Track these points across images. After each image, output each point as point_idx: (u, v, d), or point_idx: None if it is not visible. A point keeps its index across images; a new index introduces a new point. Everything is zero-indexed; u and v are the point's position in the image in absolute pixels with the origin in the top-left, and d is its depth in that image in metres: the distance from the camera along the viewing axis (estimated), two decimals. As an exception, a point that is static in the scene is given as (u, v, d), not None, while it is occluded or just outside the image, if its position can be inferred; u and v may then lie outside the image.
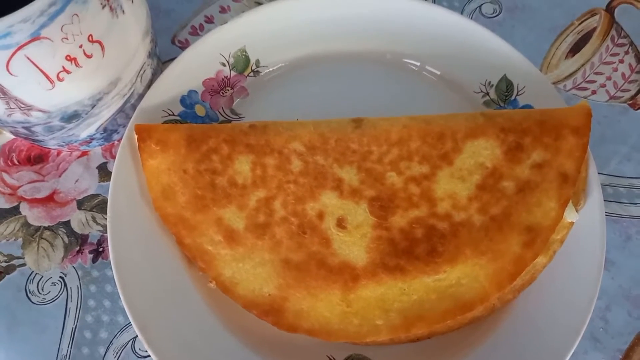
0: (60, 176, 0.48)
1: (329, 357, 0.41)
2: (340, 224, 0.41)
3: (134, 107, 0.45)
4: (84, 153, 0.49)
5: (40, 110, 0.39)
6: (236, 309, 0.40)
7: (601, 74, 0.54)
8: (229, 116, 0.48)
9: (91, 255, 0.46)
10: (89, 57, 0.38)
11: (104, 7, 0.37)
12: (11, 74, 0.35)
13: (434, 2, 0.56)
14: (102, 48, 0.38)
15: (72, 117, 0.41)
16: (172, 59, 0.47)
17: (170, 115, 0.46)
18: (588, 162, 0.43)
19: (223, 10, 0.56)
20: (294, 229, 0.41)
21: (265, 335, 0.40)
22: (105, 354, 0.43)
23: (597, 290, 0.41)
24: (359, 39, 0.49)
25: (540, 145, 0.41)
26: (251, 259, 0.41)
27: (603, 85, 0.54)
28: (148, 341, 0.39)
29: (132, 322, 0.39)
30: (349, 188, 0.42)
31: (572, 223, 0.42)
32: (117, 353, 0.43)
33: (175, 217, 0.41)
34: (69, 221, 0.47)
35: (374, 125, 0.43)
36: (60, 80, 0.37)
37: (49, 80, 0.37)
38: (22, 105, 0.39)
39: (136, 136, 0.43)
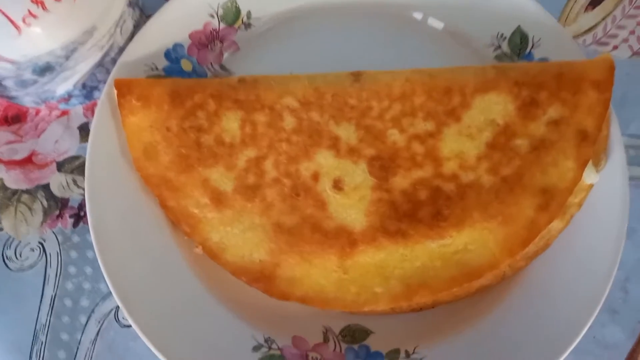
0: (39, 137, 0.45)
1: (324, 327, 0.38)
2: (337, 185, 0.38)
3: (114, 61, 0.42)
4: (64, 112, 0.46)
5: (8, 61, 0.36)
6: (224, 276, 0.37)
7: (623, 27, 0.50)
8: (218, 72, 0.45)
9: (72, 220, 0.43)
10: (57, 0, 0.34)
11: (73, -58, 0.34)
12: (-28, 17, 0.32)
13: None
14: (74, -10, 0.35)
15: (44, 69, 0.38)
16: (158, 11, 0.43)
17: (153, 70, 0.42)
18: (609, 120, 0.39)
19: (214, -40, 0.52)
20: (286, 191, 0.38)
21: (256, 304, 0.38)
22: (86, 323, 0.40)
23: (617, 259, 0.37)
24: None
25: (557, 100, 0.38)
26: (240, 222, 0.38)
27: (626, 40, 0.49)
28: (129, 310, 0.36)
29: (112, 290, 0.36)
30: (347, 147, 0.38)
31: (591, 185, 0.38)
32: (99, 322, 0.40)
33: (157, 178, 0.38)
34: (48, 184, 0.44)
35: (375, 79, 0.39)
36: (26, 24, 0.34)
37: (14, 25, 0.34)
38: (-11, 55, 0.35)
39: (115, 91, 0.39)
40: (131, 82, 0.40)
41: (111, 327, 0.40)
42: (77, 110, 0.46)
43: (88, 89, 0.43)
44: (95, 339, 0.40)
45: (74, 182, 0.44)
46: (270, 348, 0.37)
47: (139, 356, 0.39)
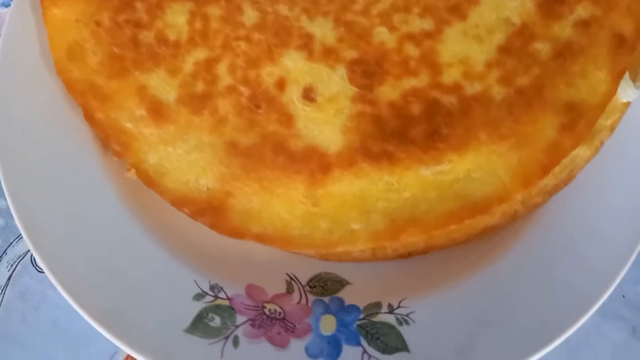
0: (-48, 44, 0.38)
1: (289, 275, 0.31)
2: (308, 95, 0.30)
3: (39, -56, 0.34)
4: (-14, 17, 0.39)
5: None
6: (162, 207, 0.30)
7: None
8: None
9: (-14, 143, 0.36)
10: None
11: None
12: None
13: None
14: None
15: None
16: None
17: (88, -44, 0.35)
18: (652, 25, 0.32)
19: None
20: (243, 102, 0.30)
21: (202, 243, 0.30)
22: None
23: (656, 199, 0.30)
24: None
25: (588, -5, 0.30)
26: (185, 141, 0.30)
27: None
28: (40, 250, 0.29)
29: (18, 224, 0.29)
30: (322, 47, 0.31)
31: (627, 104, 0.31)
32: (11, 265, 0.33)
33: (83, 83, 0.31)
34: (-41, 100, 0.36)
35: (360, -35, 0.32)
36: None
37: None
38: None
39: (36, -24, 0.32)
40: (55, -35, 0.32)
41: (26, 272, 0.33)
42: (2, 15, 0.39)
43: (10, -16, 0.35)
44: (6, 285, 0.33)
45: (-8, 98, 0.37)
46: (216, 297, 0.29)
47: (57, 307, 0.32)
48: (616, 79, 0.30)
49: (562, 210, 0.31)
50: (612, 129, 0.31)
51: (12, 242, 0.34)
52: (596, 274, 0.29)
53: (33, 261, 0.33)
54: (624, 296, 0.33)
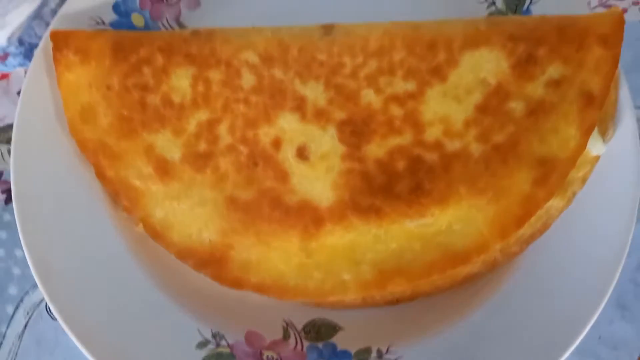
0: (-28, 102, 0.40)
1: (285, 321, 0.33)
2: (301, 153, 0.32)
3: (54, 12, 0.37)
4: (4, 76, 0.41)
5: None
6: (167, 259, 0.32)
7: (634, -10, 0.45)
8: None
9: (4, 196, 0.38)
10: None
11: None
12: None
13: None
14: None
15: (-34, 16, 0.33)
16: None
17: (99, 24, 0.37)
18: (618, 82, 0.34)
19: None
20: (242, 160, 0.33)
21: (204, 293, 0.33)
22: (13, 314, 0.35)
23: (627, 245, 0.32)
24: None
25: (558, 57, 0.33)
26: (189, 197, 0.33)
27: (636, 3, 0.44)
28: (54, 300, 0.31)
29: (34, 275, 0.31)
30: (314, 109, 0.33)
31: (597, 158, 0.33)
32: (28, 313, 0.35)
33: (95, 143, 0.34)
34: (-21, 155, 0.39)
35: (348, 32, 0.34)
36: None
37: None
38: None
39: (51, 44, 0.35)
40: (69, 33, 0.35)
41: (41, 319, 0.35)
42: (18, 73, 0.41)
43: (27, 47, 0.38)
44: (23, 332, 0.35)
45: (10, 153, 0.39)
46: (218, 345, 0.31)
47: (71, 351, 0.34)
48: (585, 134, 0.32)
49: (539, 258, 0.33)
50: (583, 180, 0.33)
51: (28, 291, 0.36)
52: (571, 317, 0.32)
53: (47, 309, 0.36)
54: (600, 337, 0.35)
